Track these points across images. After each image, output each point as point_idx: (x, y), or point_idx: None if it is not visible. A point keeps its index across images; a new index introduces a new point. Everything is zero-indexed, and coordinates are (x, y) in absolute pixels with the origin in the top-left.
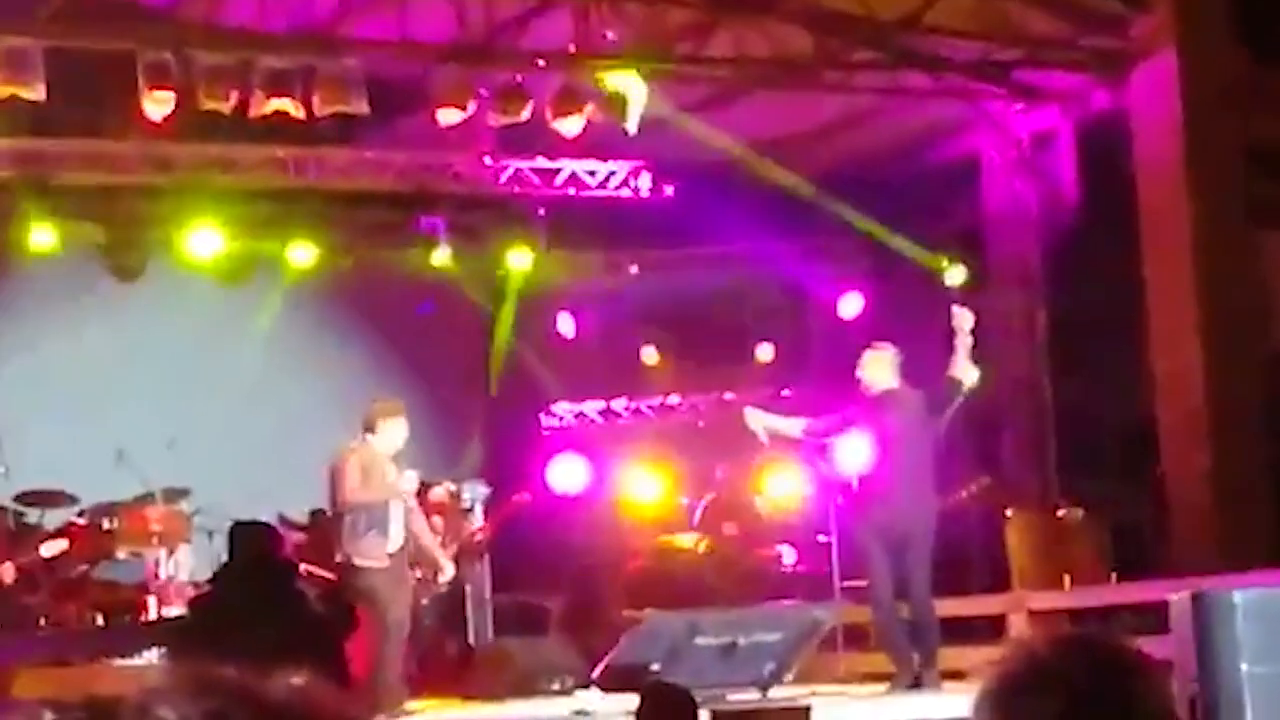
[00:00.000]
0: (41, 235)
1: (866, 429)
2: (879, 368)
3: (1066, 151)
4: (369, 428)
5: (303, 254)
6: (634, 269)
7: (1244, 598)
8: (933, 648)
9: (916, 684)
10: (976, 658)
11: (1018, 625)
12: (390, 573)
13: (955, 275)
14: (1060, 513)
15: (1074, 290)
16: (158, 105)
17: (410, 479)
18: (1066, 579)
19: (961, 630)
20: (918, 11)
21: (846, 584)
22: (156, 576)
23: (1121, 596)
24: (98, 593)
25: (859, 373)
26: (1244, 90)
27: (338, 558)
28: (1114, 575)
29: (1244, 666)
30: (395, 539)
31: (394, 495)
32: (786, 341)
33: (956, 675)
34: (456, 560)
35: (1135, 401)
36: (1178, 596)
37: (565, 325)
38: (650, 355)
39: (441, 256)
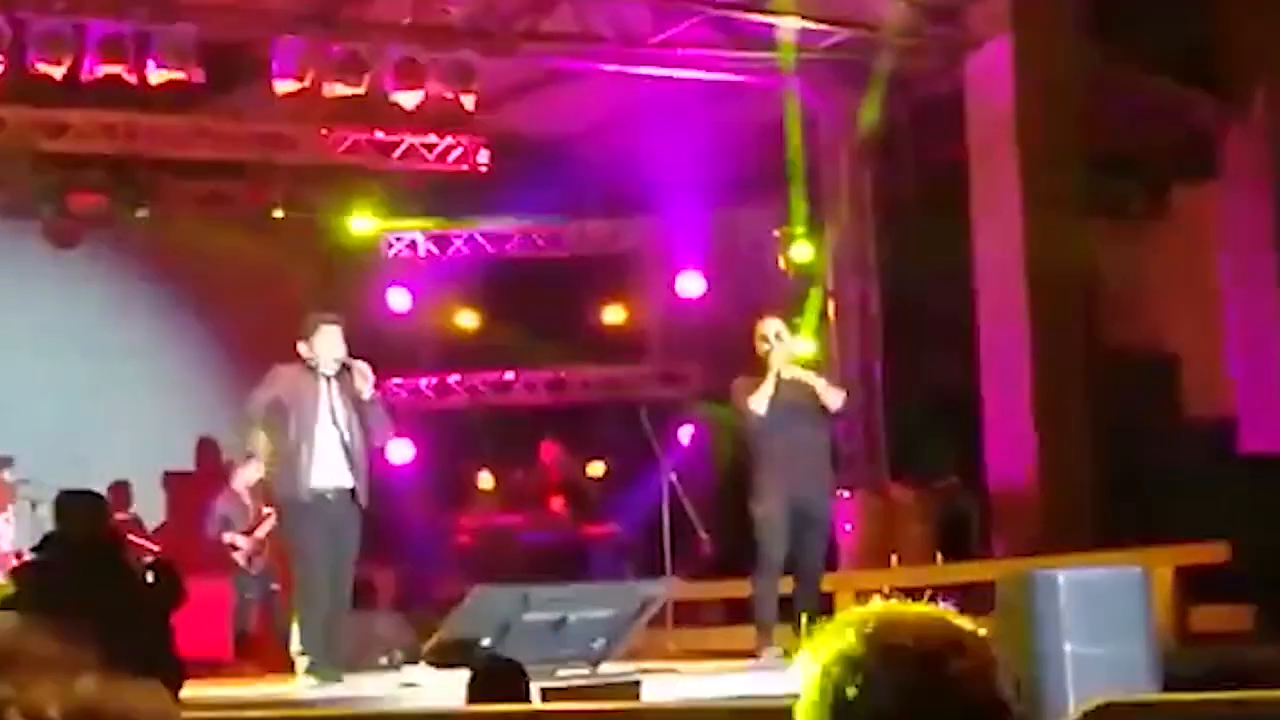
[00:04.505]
0: None
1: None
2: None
3: (903, 136)
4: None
5: (135, 216)
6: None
7: (1068, 578)
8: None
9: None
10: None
11: (844, 604)
12: (307, 512)
13: (801, 251)
14: (890, 494)
15: (907, 274)
16: None
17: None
18: (894, 559)
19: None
20: None
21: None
22: None
23: (948, 577)
24: None
25: (777, 336)
26: (1084, 80)
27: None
28: (940, 556)
29: (1067, 646)
30: (318, 473)
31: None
32: (627, 318)
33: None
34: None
35: (965, 386)
36: (1003, 576)
37: (398, 299)
38: (478, 328)
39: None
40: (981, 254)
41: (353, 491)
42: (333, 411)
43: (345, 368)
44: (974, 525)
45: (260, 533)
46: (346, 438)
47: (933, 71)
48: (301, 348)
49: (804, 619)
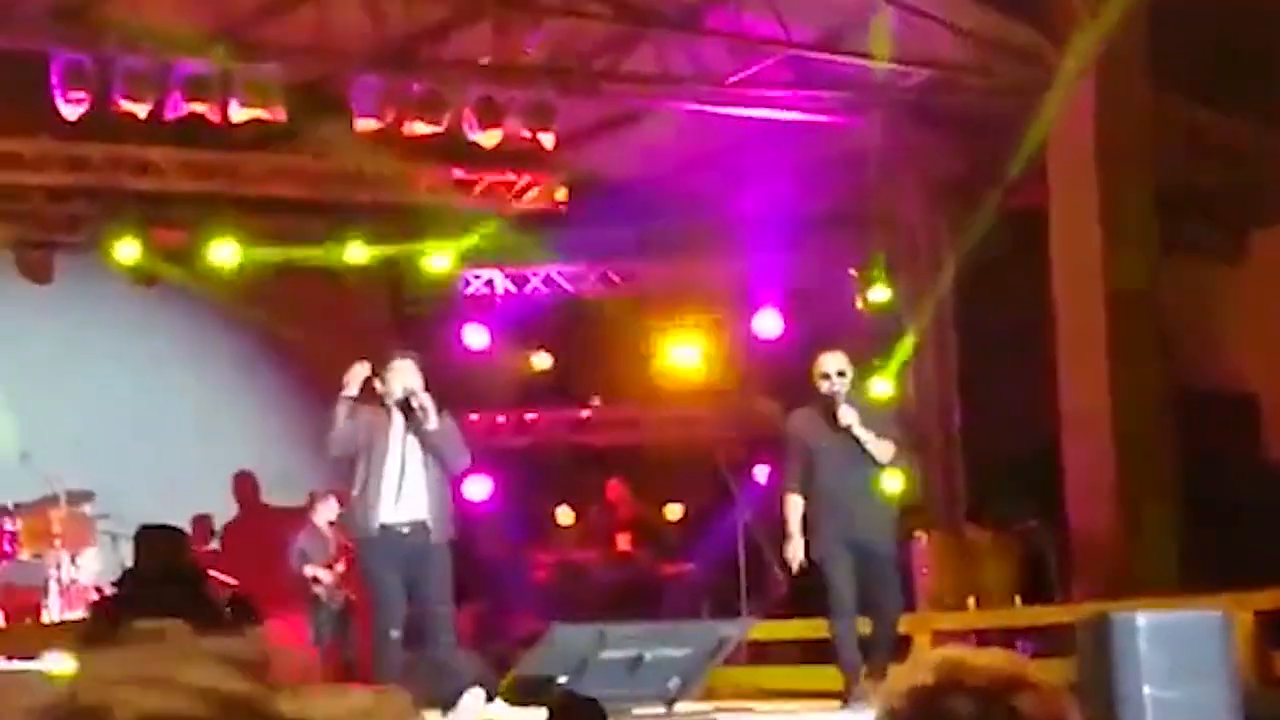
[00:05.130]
0: None
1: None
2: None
3: (985, 179)
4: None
5: (220, 256)
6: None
7: (1148, 621)
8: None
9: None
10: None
11: (922, 646)
12: (379, 547)
13: (879, 293)
14: (967, 536)
15: (986, 315)
16: (72, 106)
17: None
18: (972, 601)
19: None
20: (835, 33)
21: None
22: (58, 579)
23: (1027, 620)
24: None
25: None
26: (1165, 123)
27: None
28: (1019, 598)
29: (1147, 690)
30: (390, 508)
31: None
32: (704, 357)
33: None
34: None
35: (1044, 426)
36: (1082, 619)
37: (476, 337)
38: (555, 365)
39: (356, 257)
40: (1061, 293)
41: (426, 525)
42: (404, 447)
43: (407, 402)
44: (1053, 567)
45: (340, 566)
46: (419, 472)
47: (1016, 113)
48: (376, 383)
49: (878, 661)
